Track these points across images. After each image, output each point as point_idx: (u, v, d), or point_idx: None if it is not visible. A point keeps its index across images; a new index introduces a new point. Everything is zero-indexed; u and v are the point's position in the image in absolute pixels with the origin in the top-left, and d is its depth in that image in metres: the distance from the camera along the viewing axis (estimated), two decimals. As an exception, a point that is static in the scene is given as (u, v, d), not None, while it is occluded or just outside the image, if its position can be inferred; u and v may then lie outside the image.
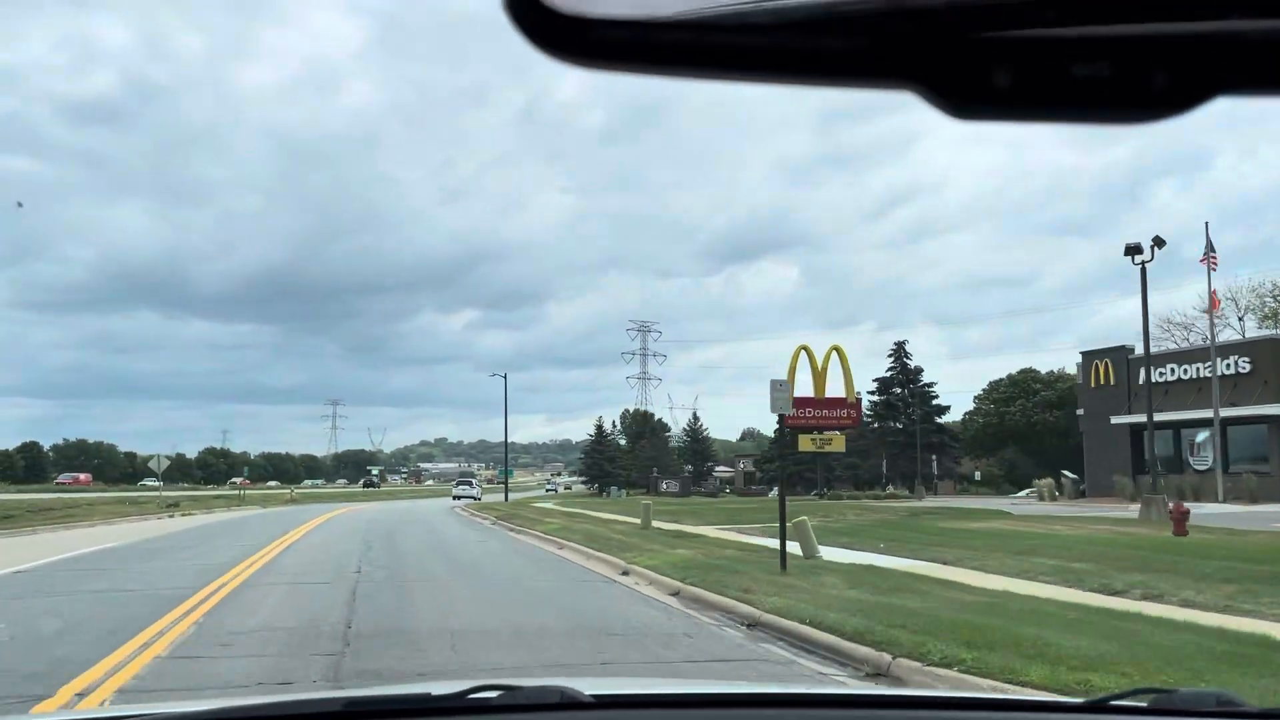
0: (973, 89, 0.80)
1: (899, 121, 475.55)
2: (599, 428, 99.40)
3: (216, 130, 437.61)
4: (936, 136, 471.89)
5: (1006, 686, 6.98)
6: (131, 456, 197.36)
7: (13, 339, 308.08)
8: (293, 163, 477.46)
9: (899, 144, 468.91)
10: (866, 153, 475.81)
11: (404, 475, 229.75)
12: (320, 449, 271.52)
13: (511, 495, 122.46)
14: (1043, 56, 0.79)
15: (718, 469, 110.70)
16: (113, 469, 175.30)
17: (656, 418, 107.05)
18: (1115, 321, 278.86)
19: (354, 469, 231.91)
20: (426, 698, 1.97)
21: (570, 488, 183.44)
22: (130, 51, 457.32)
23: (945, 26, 0.78)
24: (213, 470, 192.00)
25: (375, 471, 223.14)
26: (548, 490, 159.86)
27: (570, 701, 1.95)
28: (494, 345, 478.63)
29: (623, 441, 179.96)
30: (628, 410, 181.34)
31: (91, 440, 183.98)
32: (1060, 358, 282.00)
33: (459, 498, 71.91)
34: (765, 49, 0.81)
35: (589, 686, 2.05)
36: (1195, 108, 0.79)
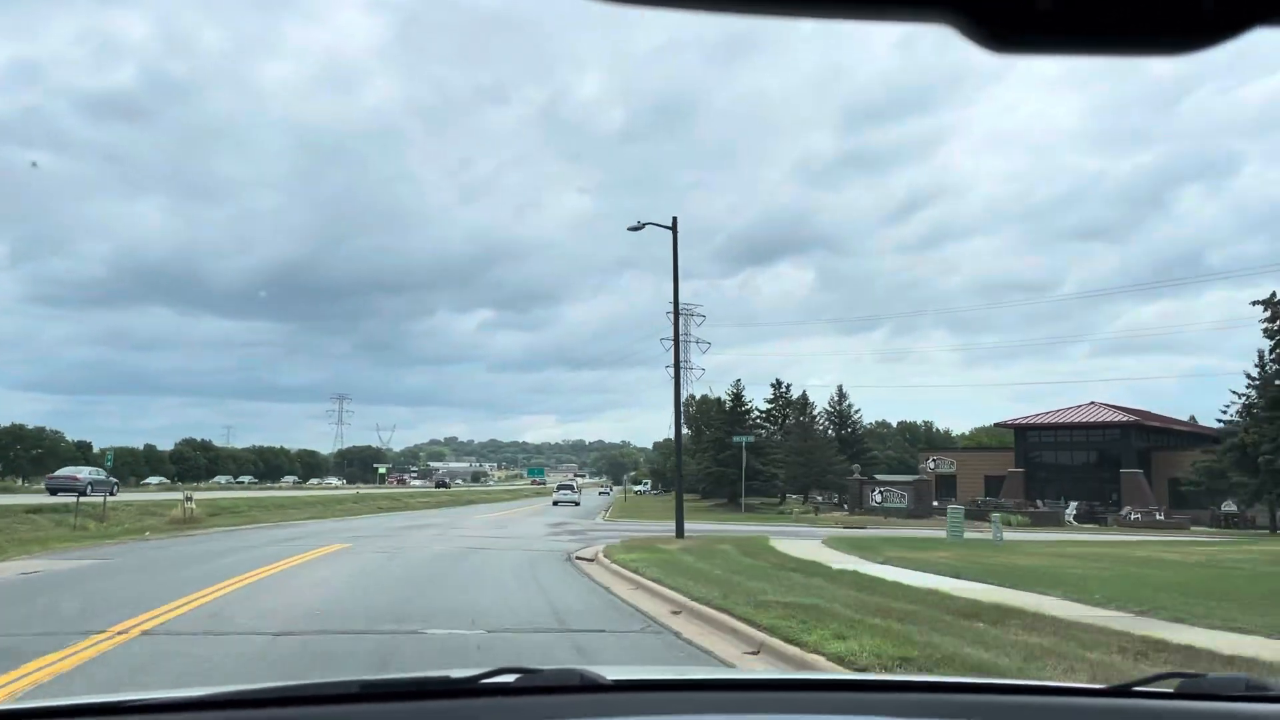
0: (1012, 16, 0.73)
1: (924, 124, 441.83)
2: (736, 398, 58.92)
3: (235, 127, 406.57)
4: (963, 138, 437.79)
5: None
6: (86, 448, 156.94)
7: (29, 334, 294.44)
8: (311, 160, 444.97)
9: (921, 146, 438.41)
10: (888, 155, 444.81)
11: (386, 472, 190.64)
12: (329, 447, 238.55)
13: (545, 499, 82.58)
14: None
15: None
16: (55, 462, 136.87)
17: (793, 393, 66.81)
18: (1135, 326, 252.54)
19: (359, 466, 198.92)
20: (445, 680, 1.83)
21: (608, 491, 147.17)
22: (151, 46, 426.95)
23: None
24: (189, 465, 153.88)
25: (383, 470, 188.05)
26: (600, 494, 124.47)
27: (590, 684, 1.82)
28: (506, 345, 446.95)
29: (688, 438, 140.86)
30: (692, 396, 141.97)
31: (31, 426, 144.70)
32: (1081, 366, 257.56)
33: (559, 503, 63.05)
34: None
35: (610, 673, 1.90)
36: (1234, 37, 0.74)
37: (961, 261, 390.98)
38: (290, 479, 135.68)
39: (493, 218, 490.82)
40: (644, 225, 25.72)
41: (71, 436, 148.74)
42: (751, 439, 49.26)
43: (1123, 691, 1.96)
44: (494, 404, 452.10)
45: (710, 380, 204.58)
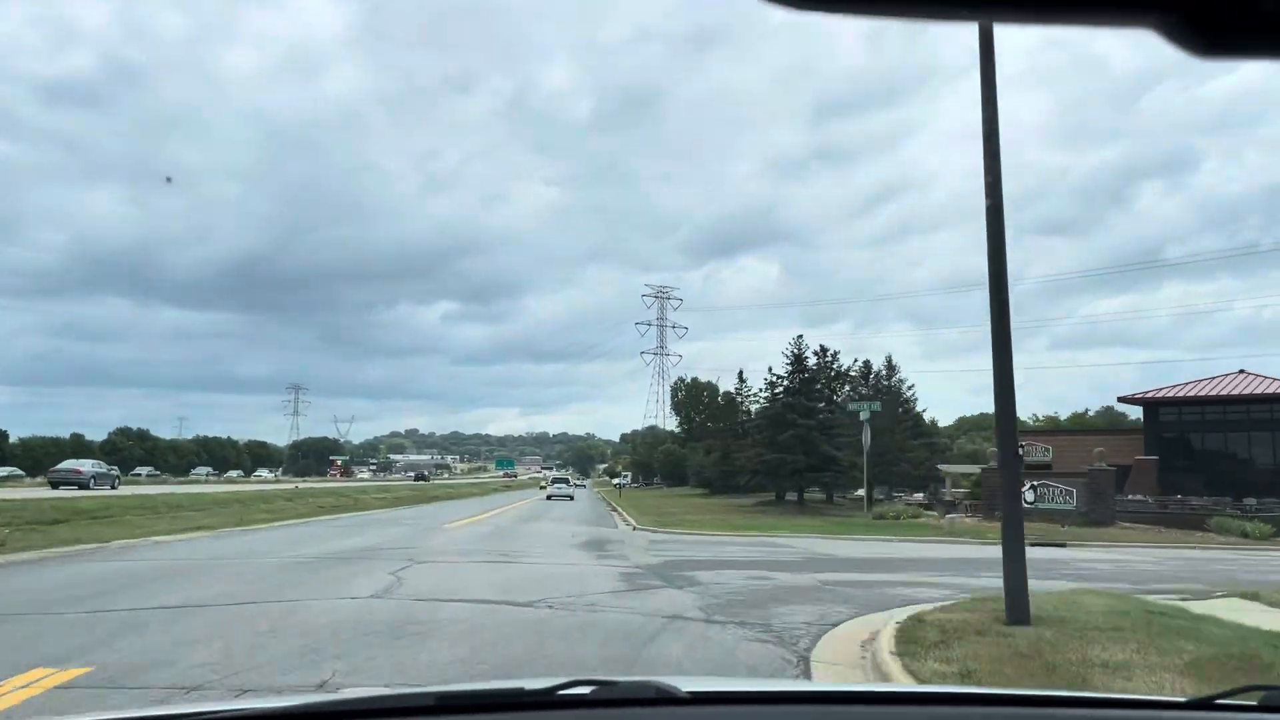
0: (1232, 18, 0.62)
1: (891, 118, 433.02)
2: (797, 359, 42.76)
3: (195, 115, 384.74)
4: (928, 133, 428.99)
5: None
6: (1, 437, 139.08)
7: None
8: (272, 149, 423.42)
9: (888, 141, 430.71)
10: (854, 150, 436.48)
11: (344, 463, 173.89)
12: (287, 439, 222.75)
13: (520, 494, 67.92)
14: None
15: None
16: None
17: (866, 367, 51.46)
18: (1090, 320, 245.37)
19: (314, 459, 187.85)
20: (519, 692, 1.80)
21: (584, 483, 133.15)
22: (109, 32, 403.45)
23: None
24: (123, 456, 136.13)
25: (341, 461, 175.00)
26: (575, 485, 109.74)
27: (665, 696, 1.77)
28: (470, 338, 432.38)
29: (673, 424, 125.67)
30: (681, 379, 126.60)
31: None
32: (1036, 359, 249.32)
33: (553, 497, 58.14)
34: None
35: (686, 685, 1.83)
36: None
37: (925, 255, 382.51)
38: (204, 471, 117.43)
39: (457, 209, 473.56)
40: None
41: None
42: (876, 406, 32.32)
43: (1206, 704, 1.87)
44: (457, 397, 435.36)
45: (686, 367, 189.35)
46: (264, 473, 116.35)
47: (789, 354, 41.78)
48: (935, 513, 34.60)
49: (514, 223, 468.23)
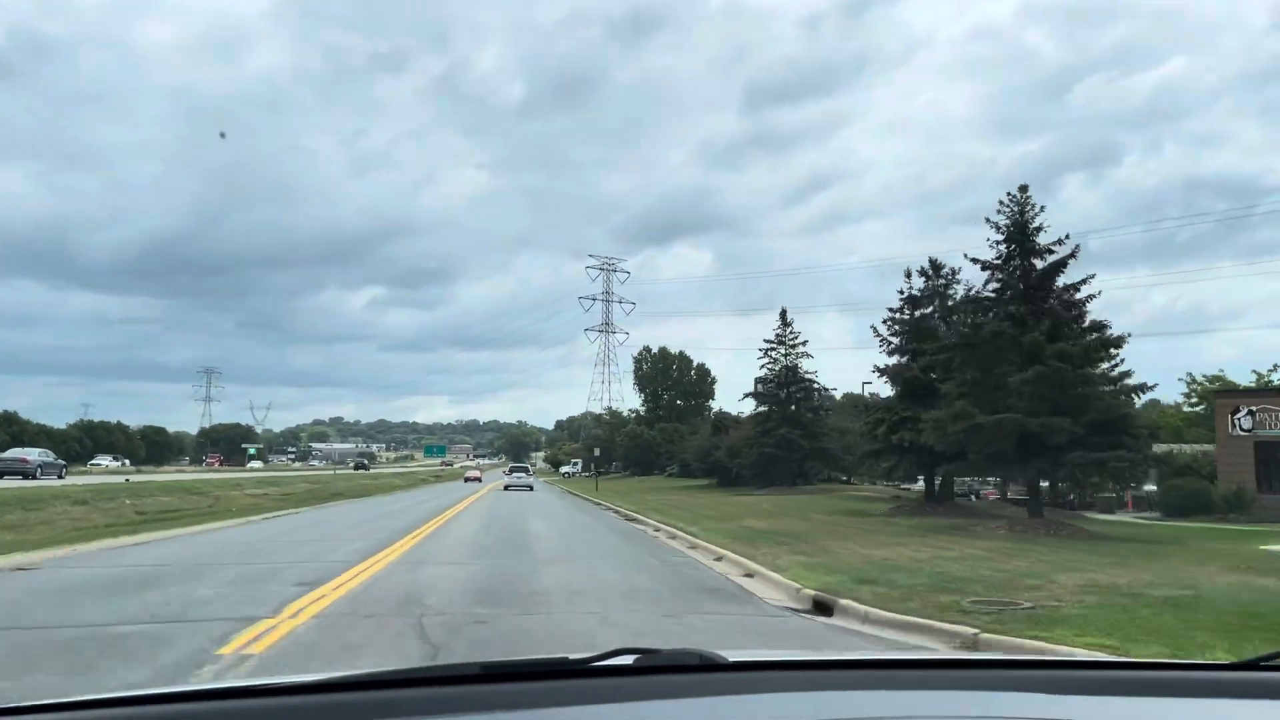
0: None
1: (826, 107, 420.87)
2: (1017, 229, 21.81)
3: (113, 91, 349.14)
4: (862, 122, 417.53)
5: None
6: None
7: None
8: (194, 128, 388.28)
9: (822, 129, 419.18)
10: (789, 138, 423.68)
11: (257, 453, 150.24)
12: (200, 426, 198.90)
13: (454, 488, 46.96)
14: None
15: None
16: None
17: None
18: None
19: (226, 447, 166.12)
20: (563, 661, 1.77)
21: (521, 470, 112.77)
22: (20, 3, 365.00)
23: None
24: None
25: (253, 451, 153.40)
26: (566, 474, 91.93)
27: (709, 664, 1.76)
28: (398, 324, 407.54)
29: (640, 403, 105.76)
30: (646, 349, 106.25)
31: None
32: None
33: (510, 487, 52.88)
34: None
35: (732, 655, 1.82)
36: None
37: (856, 244, 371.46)
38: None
39: (386, 192, 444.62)
40: None
41: None
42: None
43: (1252, 665, 1.85)
44: (384, 384, 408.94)
45: (627, 351, 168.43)
46: (106, 460, 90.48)
47: (1005, 223, 21.17)
48: None
49: (445, 207, 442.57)
